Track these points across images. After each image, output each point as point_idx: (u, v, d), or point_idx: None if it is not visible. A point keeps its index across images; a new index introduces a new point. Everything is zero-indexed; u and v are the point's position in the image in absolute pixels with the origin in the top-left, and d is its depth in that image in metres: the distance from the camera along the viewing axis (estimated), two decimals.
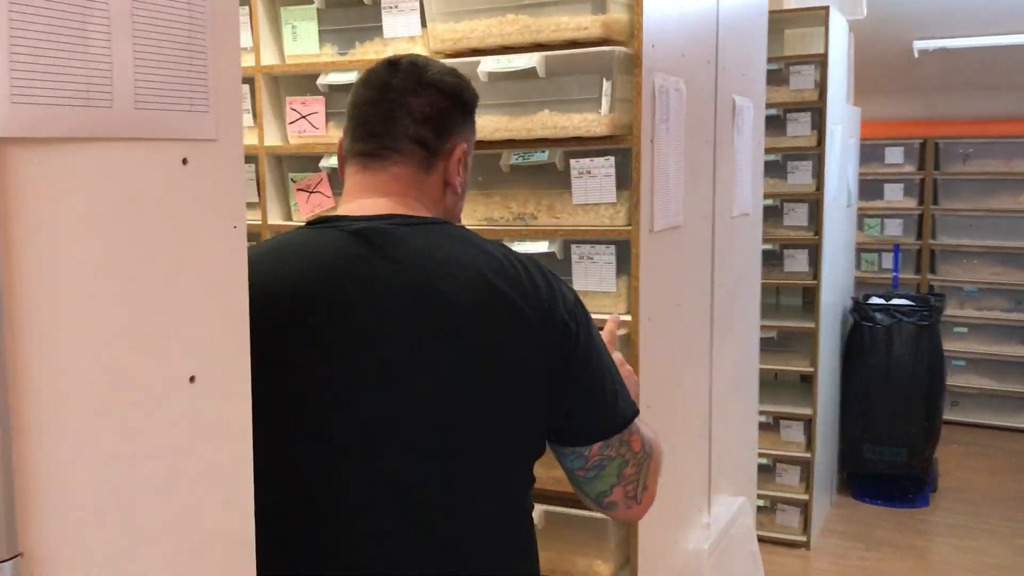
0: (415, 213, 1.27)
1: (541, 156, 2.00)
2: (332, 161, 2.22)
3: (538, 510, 1.99)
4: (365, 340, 1.15)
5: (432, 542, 1.16)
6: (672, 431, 2.20)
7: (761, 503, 4.03)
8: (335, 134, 2.25)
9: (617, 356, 1.44)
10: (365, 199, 1.27)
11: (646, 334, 1.97)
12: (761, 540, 4.03)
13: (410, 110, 1.28)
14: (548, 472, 1.67)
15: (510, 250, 1.26)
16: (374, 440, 1.14)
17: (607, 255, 2.00)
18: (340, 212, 1.28)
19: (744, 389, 2.86)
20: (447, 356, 1.15)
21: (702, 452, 2.45)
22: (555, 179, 2.02)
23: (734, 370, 2.71)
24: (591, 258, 2.01)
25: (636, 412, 1.29)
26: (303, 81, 2.28)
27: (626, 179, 1.95)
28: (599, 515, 1.94)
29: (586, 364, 1.22)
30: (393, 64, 1.31)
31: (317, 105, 2.23)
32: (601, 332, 1.34)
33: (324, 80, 2.21)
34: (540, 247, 2.02)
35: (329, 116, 2.24)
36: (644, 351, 1.97)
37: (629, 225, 1.95)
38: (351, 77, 2.17)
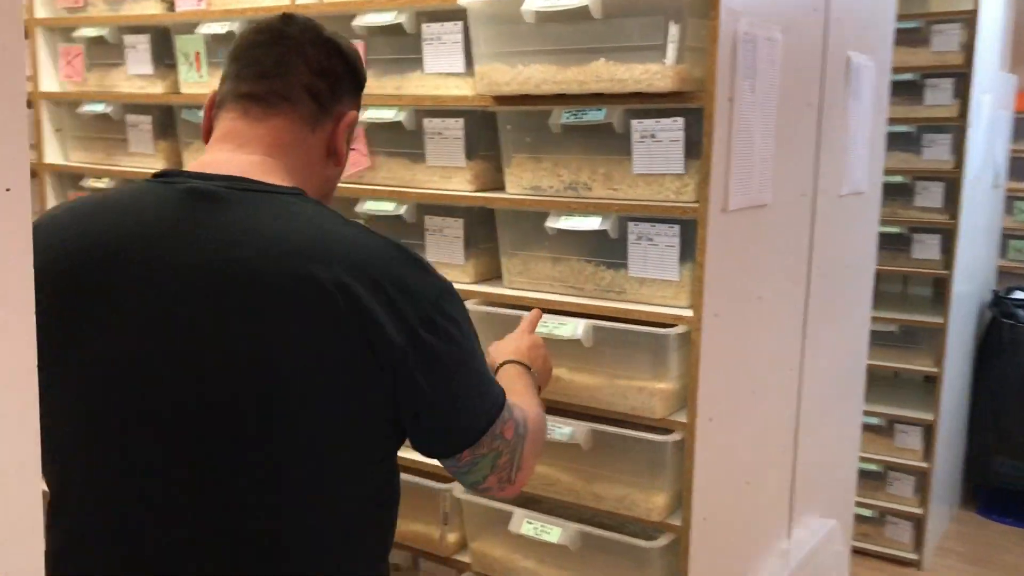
0: (273, 180, 1.16)
1: (597, 115, 1.68)
2: (370, 114, 1.96)
3: (574, 531, 1.71)
4: (155, 314, 1.08)
5: (215, 533, 1.10)
6: (744, 446, 1.87)
7: (868, 513, 3.62)
8: (375, 85, 1.99)
9: (532, 338, 1.58)
10: (226, 153, 1.19)
11: (711, 333, 1.65)
12: (864, 554, 3.64)
13: (307, 58, 1.22)
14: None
15: (375, 239, 1.15)
16: (159, 421, 1.08)
17: (670, 236, 1.67)
18: (193, 166, 1.19)
19: (846, 394, 2.48)
20: (240, 342, 1.06)
21: (784, 468, 2.11)
22: (614, 143, 1.71)
23: (834, 373, 2.33)
24: (651, 239, 1.69)
25: (503, 402, 1.22)
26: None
27: (697, 146, 1.62)
28: (644, 543, 1.65)
29: (442, 371, 1.13)
30: (288, 16, 1.26)
31: None
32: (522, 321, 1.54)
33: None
34: (590, 223, 1.71)
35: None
36: (707, 353, 1.64)
37: (697, 202, 1.62)
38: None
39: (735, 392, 1.80)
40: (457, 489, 1.91)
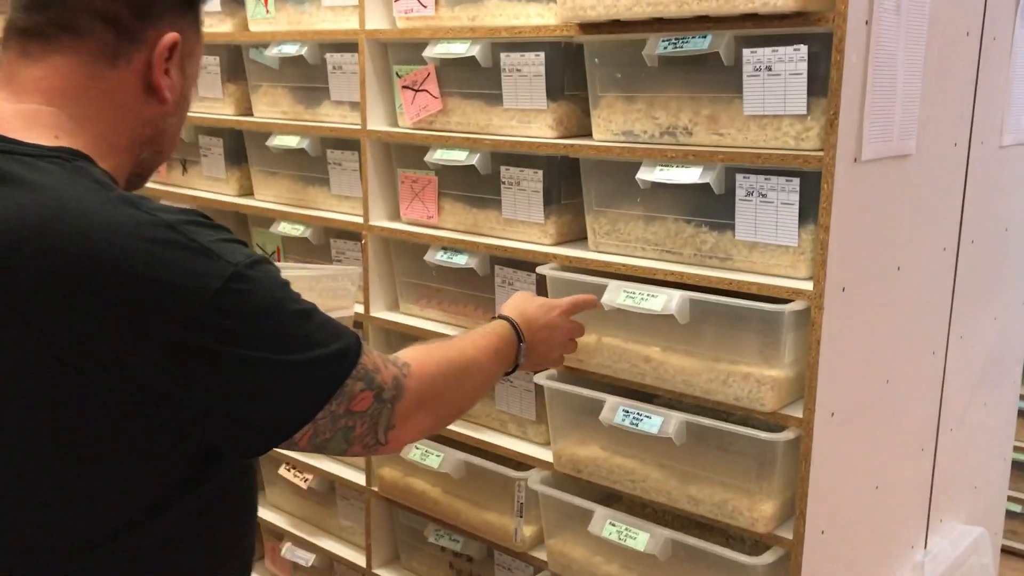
0: (41, 135, 0.95)
1: (700, 43, 1.39)
2: (440, 49, 1.71)
3: (663, 538, 1.46)
4: None
5: None
6: (873, 445, 1.56)
7: (1018, 508, 3.21)
8: (447, 16, 1.73)
9: (555, 319, 1.44)
10: None
11: (836, 310, 1.35)
12: (1012, 554, 3.24)
13: None
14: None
15: (134, 219, 0.91)
16: None
17: (787, 193, 1.37)
18: None
19: (999, 381, 2.12)
20: None
21: (922, 468, 1.79)
22: (720, 78, 1.41)
23: (985, 356, 1.98)
24: (763, 195, 1.39)
25: (344, 374, 1.00)
26: None
27: (823, 81, 1.31)
28: (747, 559, 1.38)
29: (222, 379, 0.93)
30: None
31: None
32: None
33: None
34: (691, 175, 1.42)
35: None
36: (831, 335, 1.35)
37: (821, 150, 1.32)
38: None
39: (864, 381, 1.49)
40: (533, 478, 1.67)
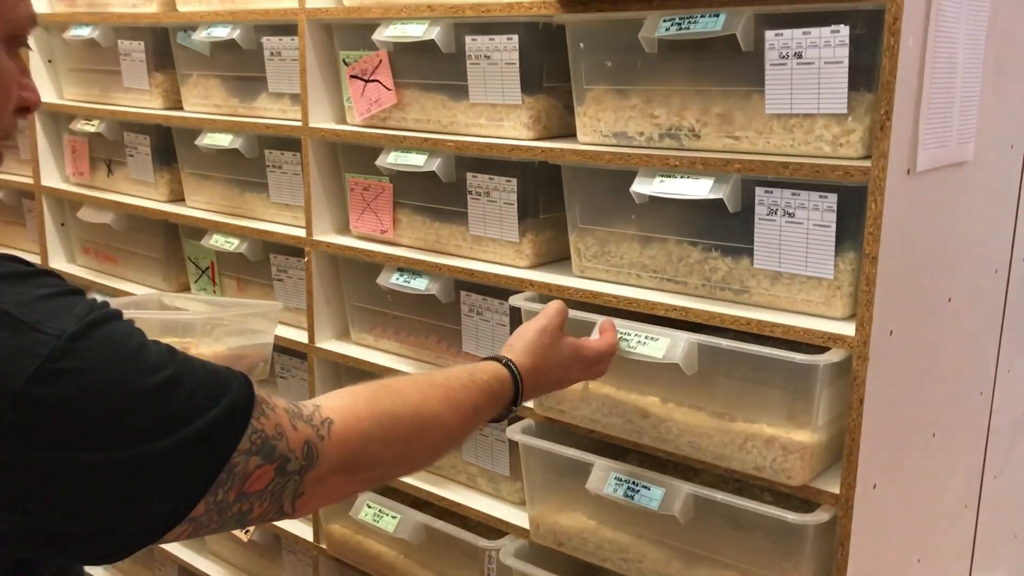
0: None
1: (712, 23, 1.11)
2: (394, 31, 1.42)
3: None
4: None
5: None
6: (917, 512, 1.29)
7: None
8: None
9: (574, 366, 1.15)
10: None
11: (883, 360, 1.08)
12: None
13: None
14: None
15: None
16: None
17: (821, 212, 1.09)
18: None
19: None
20: None
21: (966, 526, 1.52)
22: (737, 68, 1.13)
23: None
24: (791, 214, 1.11)
25: (232, 446, 0.74)
26: None
27: (868, 72, 1.03)
28: None
29: (72, 473, 0.67)
30: None
31: None
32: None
33: None
34: (699, 188, 1.14)
35: None
36: (875, 392, 1.07)
37: (868, 158, 1.04)
38: None
39: (910, 440, 1.22)
40: (506, 550, 1.39)
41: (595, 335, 1.18)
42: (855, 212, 1.07)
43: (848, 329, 1.08)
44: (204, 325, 1.12)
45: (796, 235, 1.12)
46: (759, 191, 1.13)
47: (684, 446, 1.18)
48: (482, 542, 1.42)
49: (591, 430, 1.28)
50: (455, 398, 0.97)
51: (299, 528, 1.77)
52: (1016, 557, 1.81)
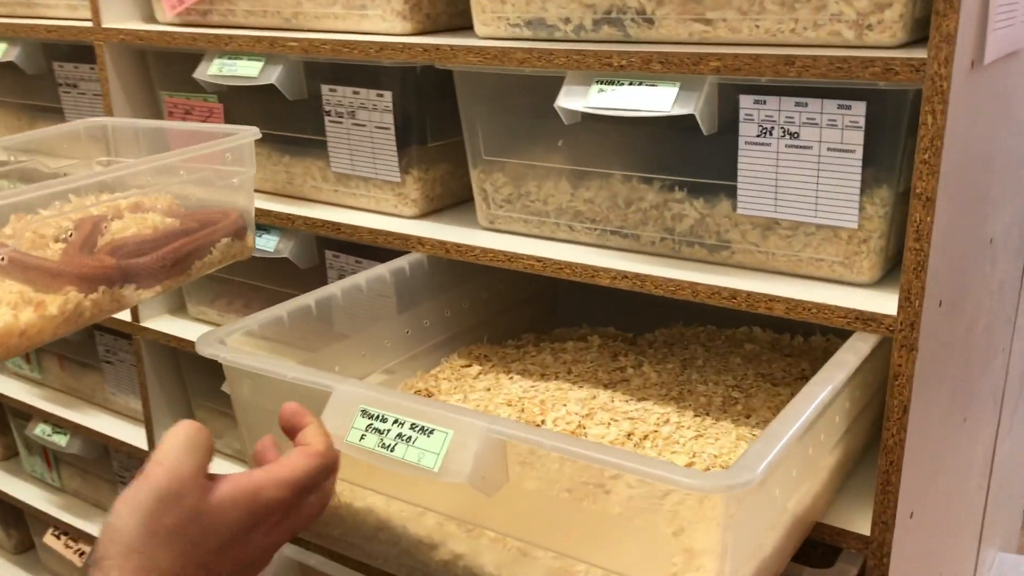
0: None
1: None
2: None
3: None
4: None
5: None
6: (948, 535, 0.98)
7: None
8: None
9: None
10: None
11: (929, 343, 0.74)
12: None
13: None
14: None
15: None
16: None
17: (841, 129, 0.73)
18: None
19: None
20: None
21: (978, 502, 1.23)
22: None
23: None
24: (794, 134, 0.75)
25: None
26: None
27: None
28: None
29: None
30: None
31: None
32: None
33: None
34: (654, 100, 0.76)
35: None
36: (919, 394, 0.73)
37: (911, 45, 0.69)
38: None
39: (946, 441, 0.90)
40: None
41: (268, 451, 0.63)
42: (889, 129, 0.72)
43: (883, 303, 0.73)
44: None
45: (801, 165, 0.75)
46: (745, 101, 0.76)
47: None
48: None
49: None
50: None
51: None
52: (1008, 530, 1.55)
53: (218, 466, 0.56)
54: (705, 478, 0.54)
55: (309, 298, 0.86)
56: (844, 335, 0.74)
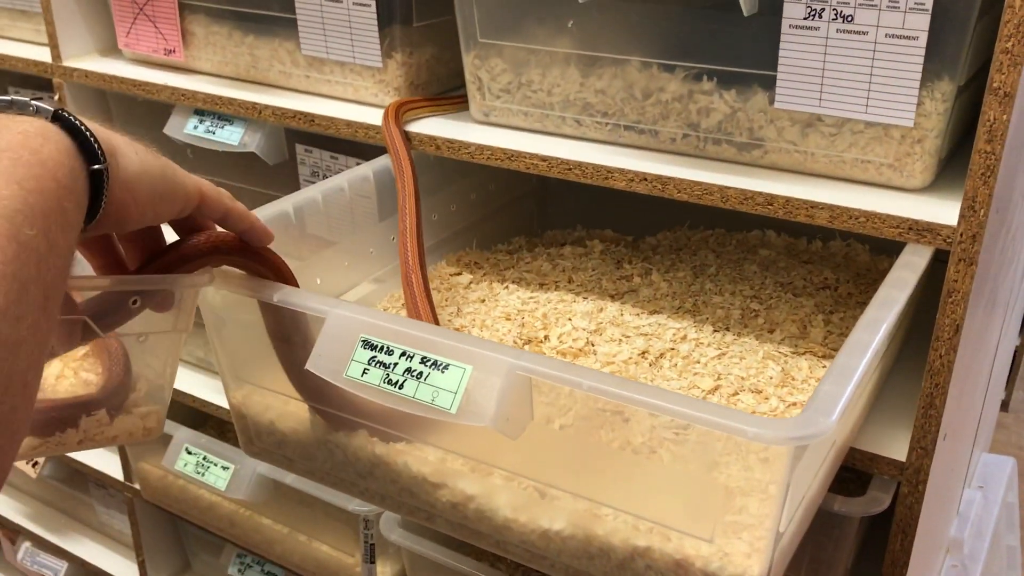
0: None
1: None
2: None
3: None
4: None
5: None
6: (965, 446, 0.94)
7: None
8: None
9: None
10: None
11: (986, 256, 0.67)
12: None
13: None
14: None
15: None
16: None
17: (903, 11, 0.64)
18: None
19: None
20: None
21: (979, 405, 1.20)
22: None
23: None
24: (848, 17, 0.65)
25: None
26: None
27: None
28: None
29: None
30: None
31: None
32: None
33: None
34: None
35: None
36: (973, 304, 0.67)
37: None
38: None
39: (976, 354, 0.84)
40: (387, 523, 0.97)
41: None
42: (960, 12, 0.62)
43: (938, 211, 0.65)
44: None
45: (854, 53, 0.66)
46: None
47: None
48: (356, 507, 0.99)
49: None
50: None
51: (104, 463, 1.31)
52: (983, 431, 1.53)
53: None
54: (778, 427, 0.46)
55: (286, 202, 0.76)
56: (869, 240, 0.66)
